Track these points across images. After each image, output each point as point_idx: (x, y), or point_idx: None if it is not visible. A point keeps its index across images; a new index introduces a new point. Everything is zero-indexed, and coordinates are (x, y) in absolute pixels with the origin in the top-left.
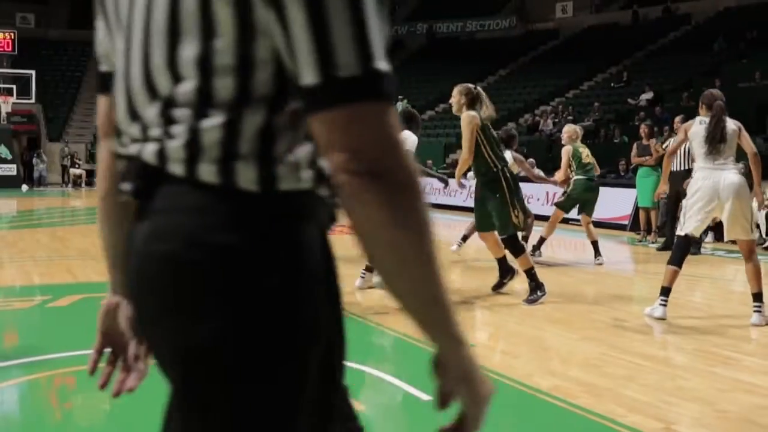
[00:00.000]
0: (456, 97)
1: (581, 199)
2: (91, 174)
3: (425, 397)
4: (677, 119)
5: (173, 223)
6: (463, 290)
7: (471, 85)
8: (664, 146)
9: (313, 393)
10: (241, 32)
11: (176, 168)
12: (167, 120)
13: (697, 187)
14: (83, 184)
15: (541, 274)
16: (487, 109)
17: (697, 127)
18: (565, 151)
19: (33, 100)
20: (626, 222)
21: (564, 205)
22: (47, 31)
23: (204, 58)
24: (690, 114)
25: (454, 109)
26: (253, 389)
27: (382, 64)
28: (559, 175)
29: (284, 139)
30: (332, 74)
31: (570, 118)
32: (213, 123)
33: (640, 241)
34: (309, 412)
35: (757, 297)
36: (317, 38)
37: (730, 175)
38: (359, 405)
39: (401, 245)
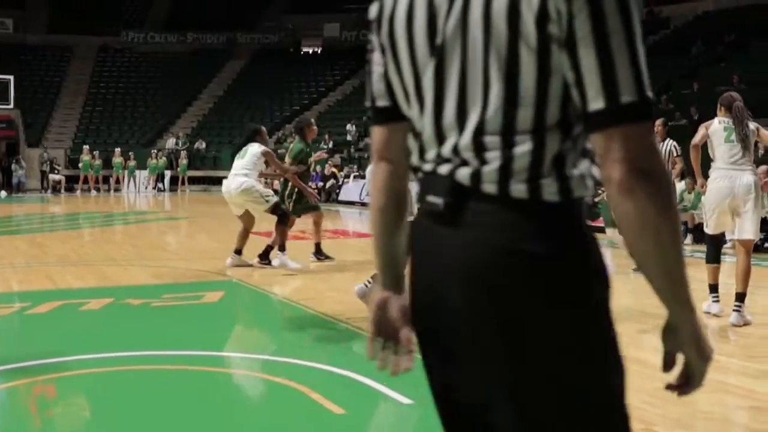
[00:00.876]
0: None
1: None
2: (70, 180)
3: (406, 400)
4: (658, 122)
5: (493, 234)
6: None
7: None
8: None
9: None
10: (540, 73)
11: (490, 188)
12: (479, 146)
13: (713, 186)
14: (62, 190)
15: None
16: None
17: (717, 126)
18: None
19: (11, 106)
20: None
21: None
22: (25, 36)
23: (511, 95)
24: (669, 117)
25: None
26: (588, 366)
27: (649, 93)
28: None
29: (571, 156)
30: (616, 101)
31: None
32: (522, 150)
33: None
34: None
35: (740, 297)
36: (604, 75)
37: (746, 176)
38: (341, 410)
39: (661, 231)
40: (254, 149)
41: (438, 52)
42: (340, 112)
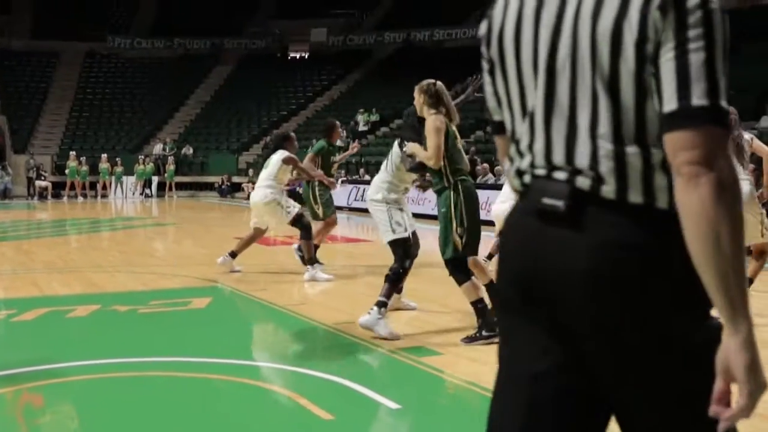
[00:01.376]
0: (417, 97)
1: None
2: (56, 186)
3: (394, 405)
4: None
5: (614, 236)
6: (430, 297)
7: (431, 81)
8: None
9: None
10: (637, 89)
11: (609, 193)
12: (594, 154)
13: None
14: (49, 197)
15: None
16: (450, 111)
17: None
18: None
19: None
20: None
21: None
22: (10, 41)
23: (616, 108)
24: None
25: (417, 111)
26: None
27: (723, 103)
28: None
29: (666, 165)
30: (688, 103)
31: None
32: (635, 158)
33: None
34: None
35: None
36: (680, 80)
37: (744, 186)
38: (329, 415)
39: (721, 231)
40: (276, 157)
41: (548, 68)
42: (328, 118)
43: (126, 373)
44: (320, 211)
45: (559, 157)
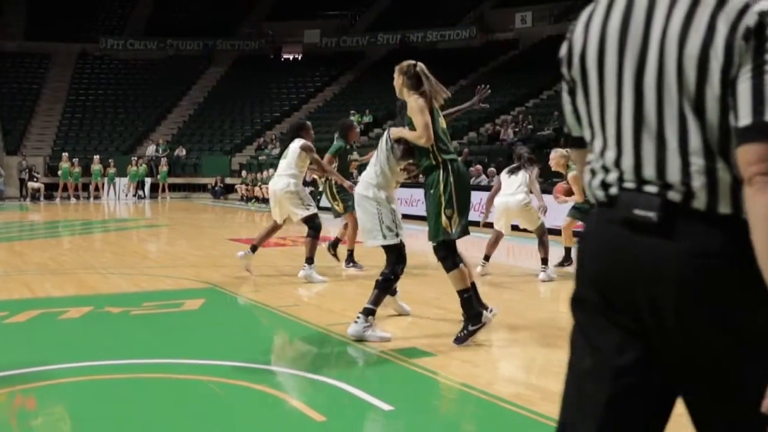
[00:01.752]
0: (396, 78)
1: (586, 209)
2: (49, 187)
3: (387, 407)
4: None
5: (705, 244)
6: (423, 298)
7: (411, 62)
8: None
9: None
10: (722, 110)
11: (699, 205)
12: (685, 168)
13: None
14: (41, 198)
15: (526, 281)
16: (433, 92)
17: None
18: (575, 178)
19: None
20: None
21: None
22: (3, 42)
23: (703, 127)
24: None
25: (397, 92)
26: None
27: None
28: (578, 198)
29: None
30: (761, 118)
31: (530, 127)
32: (722, 172)
33: None
34: None
35: None
36: (755, 98)
37: None
38: (321, 417)
39: None
40: (294, 145)
41: (635, 89)
42: (321, 119)
43: (119, 375)
44: (339, 207)
45: (649, 171)
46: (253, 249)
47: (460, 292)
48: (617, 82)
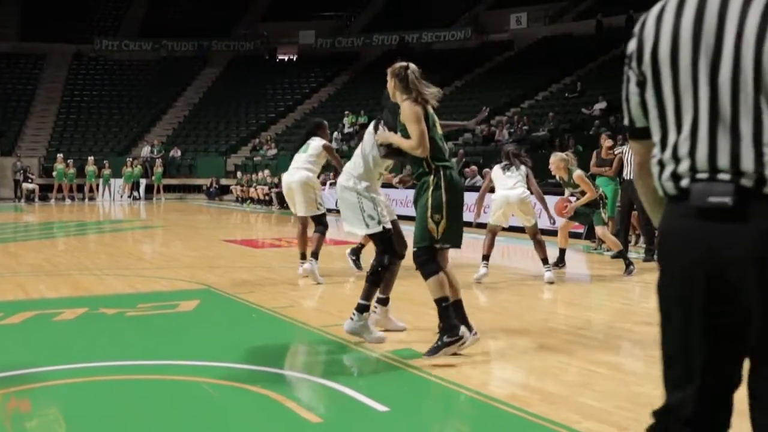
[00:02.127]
0: (389, 81)
1: (582, 211)
2: (44, 188)
3: (382, 408)
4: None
5: None
6: (418, 300)
7: (403, 64)
8: (616, 152)
9: None
10: None
11: None
12: (759, 157)
13: None
14: (36, 199)
15: (525, 282)
16: (424, 95)
17: None
18: (581, 177)
19: None
20: (581, 231)
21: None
22: None
23: None
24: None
25: (390, 96)
26: None
27: None
28: (590, 197)
29: None
30: None
31: (525, 128)
32: None
33: (596, 249)
34: None
35: None
36: None
37: None
38: (317, 418)
39: None
40: (316, 143)
41: (710, 84)
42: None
43: (114, 377)
44: None
45: (723, 161)
46: (303, 257)
47: (438, 301)
48: (692, 77)
